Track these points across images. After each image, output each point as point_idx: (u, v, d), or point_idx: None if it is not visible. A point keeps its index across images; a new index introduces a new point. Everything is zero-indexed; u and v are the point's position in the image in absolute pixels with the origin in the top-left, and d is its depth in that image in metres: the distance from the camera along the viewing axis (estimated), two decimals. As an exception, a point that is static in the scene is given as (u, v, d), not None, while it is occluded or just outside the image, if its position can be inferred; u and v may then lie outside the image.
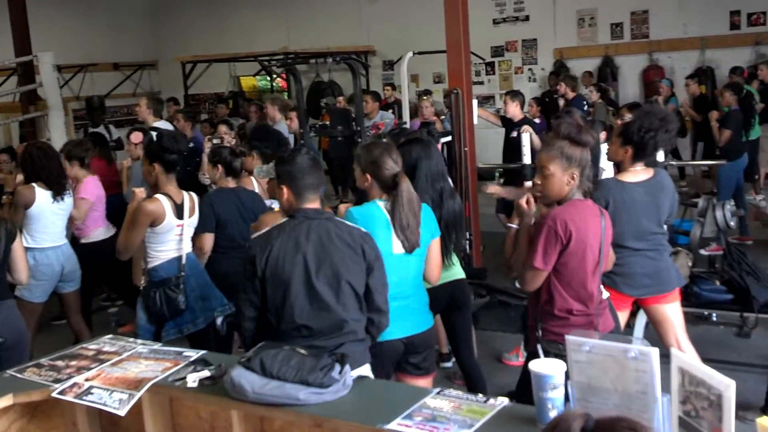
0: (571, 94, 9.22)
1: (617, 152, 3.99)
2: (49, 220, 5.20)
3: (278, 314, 2.97)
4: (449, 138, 6.96)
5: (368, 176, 3.37)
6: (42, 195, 5.15)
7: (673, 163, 8.65)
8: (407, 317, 3.37)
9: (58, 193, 5.24)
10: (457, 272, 4.19)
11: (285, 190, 3.04)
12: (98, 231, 5.92)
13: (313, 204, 3.03)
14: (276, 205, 4.64)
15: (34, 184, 5.16)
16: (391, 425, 2.40)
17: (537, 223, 3.14)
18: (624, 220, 3.83)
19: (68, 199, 5.37)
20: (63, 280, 5.32)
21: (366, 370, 3.06)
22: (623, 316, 3.93)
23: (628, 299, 4.02)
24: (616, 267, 3.74)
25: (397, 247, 3.33)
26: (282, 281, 2.93)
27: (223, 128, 7.67)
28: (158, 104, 7.61)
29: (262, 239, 2.99)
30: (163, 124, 7.12)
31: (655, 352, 2.16)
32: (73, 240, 5.91)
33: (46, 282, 5.20)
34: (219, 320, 4.40)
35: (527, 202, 3.17)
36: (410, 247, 3.34)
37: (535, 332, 3.16)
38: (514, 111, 7.70)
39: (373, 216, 3.31)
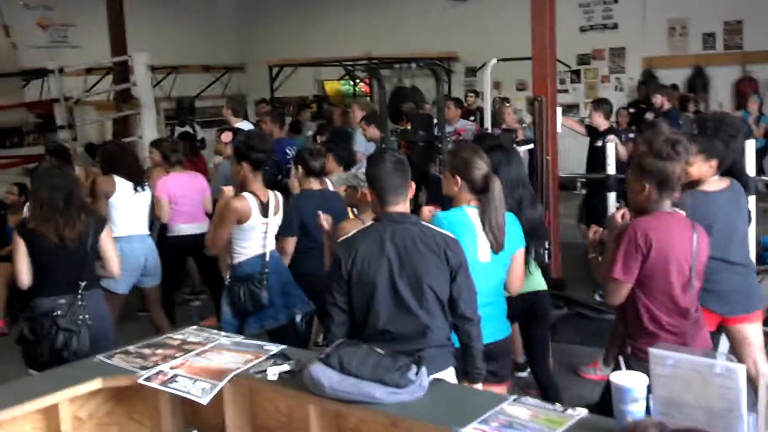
0: (667, 106, 8.98)
1: (700, 168, 3.83)
2: (131, 209, 5.38)
3: (362, 318, 2.98)
4: (531, 146, 6.90)
5: (458, 179, 3.36)
6: (122, 185, 5.34)
7: (764, 178, 8.34)
8: (485, 324, 3.35)
9: (137, 184, 5.41)
10: (538, 283, 4.15)
11: (370, 193, 3.08)
12: (181, 226, 6.05)
13: (398, 207, 3.02)
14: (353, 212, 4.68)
15: (113, 175, 5.34)
16: (467, 429, 2.40)
17: (619, 234, 3.07)
18: (715, 231, 3.71)
19: (148, 192, 5.55)
20: (145, 273, 5.45)
21: (450, 374, 3.04)
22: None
23: (715, 317, 3.89)
24: (705, 283, 3.64)
25: (482, 254, 3.32)
26: (366, 285, 2.94)
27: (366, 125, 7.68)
28: (238, 105, 7.79)
29: (347, 243, 3.01)
30: (245, 125, 7.28)
31: (741, 369, 2.10)
32: (163, 235, 6.11)
33: (130, 273, 5.30)
34: (298, 317, 4.49)
35: (622, 216, 3.12)
36: (497, 247, 3.32)
37: (625, 350, 3.09)
38: (600, 120, 7.57)
39: (461, 222, 3.30)
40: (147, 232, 5.57)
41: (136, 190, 5.40)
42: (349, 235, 3.06)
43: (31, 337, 3.85)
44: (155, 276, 5.59)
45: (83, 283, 3.95)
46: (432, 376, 2.76)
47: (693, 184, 3.85)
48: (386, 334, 2.94)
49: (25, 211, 5.28)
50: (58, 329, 3.81)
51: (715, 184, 3.82)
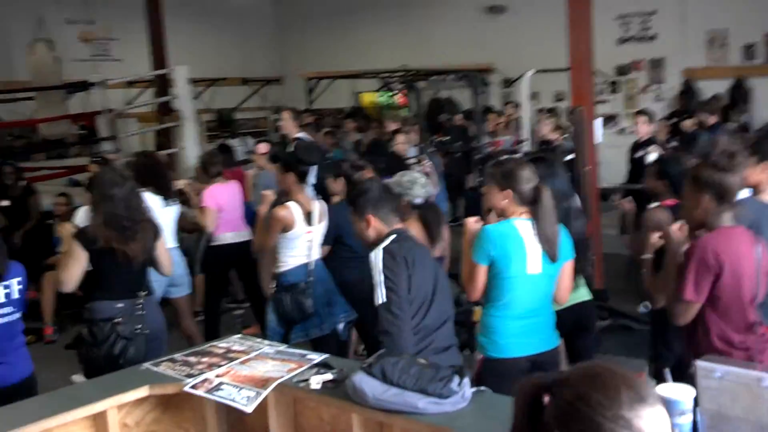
0: (711, 120, 8.88)
1: (754, 172, 3.76)
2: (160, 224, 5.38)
3: (414, 315, 3.21)
4: (571, 156, 6.87)
5: (509, 192, 3.35)
6: (152, 200, 5.26)
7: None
8: (534, 335, 3.36)
9: (166, 198, 5.44)
10: (583, 294, 4.13)
11: (372, 220, 3.31)
12: (226, 235, 6.10)
13: (398, 225, 3.36)
14: None
15: (143, 189, 5.35)
16: (511, 440, 2.40)
17: (686, 252, 3.00)
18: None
19: (176, 205, 5.58)
20: (173, 284, 5.44)
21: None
22: None
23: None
24: None
25: (531, 267, 3.31)
26: (421, 285, 3.21)
27: (401, 138, 7.78)
28: (299, 115, 7.85)
29: (396, 246, 3.23)
30: (304, 135, 7.35)
31: (792, 382, 2.08)
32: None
33: (157, 284, 5.24)
34: (341, 326, 4.53)
35: (680, 228, 3.08)
36: (553, 257, 3.33)
37: (689, 369, 3.03)
38: (645, 130, 7.51)
39: (510, 235, 3.30)
40: (174, 245, 5.57)
41: (166, 203, 5.42)
42: (391, 243, 3.25)
43: (90, 341, 3.88)
44: (184, 285, 5.62)
45: (143, 293, 4.00)
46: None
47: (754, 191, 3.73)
48: (424, 329, 3.21)
49: (77, 219, 5.37)
50: (118, 336, 3.86)
51: None
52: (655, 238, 3.40)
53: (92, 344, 3.86)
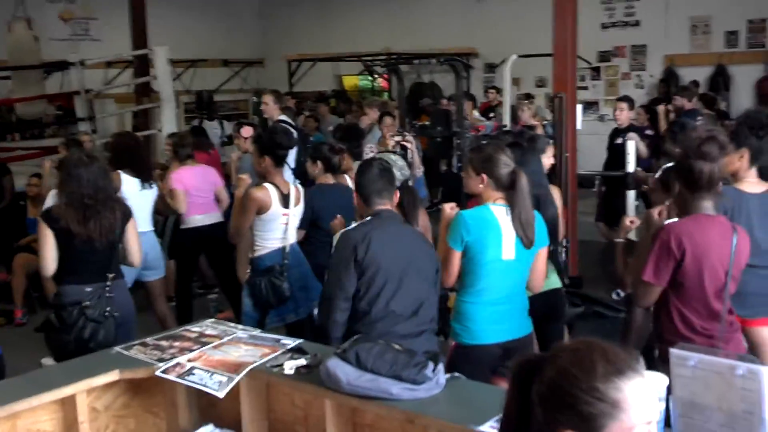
0: (688, 106, 8.89)
1: (731, 161, 3.76)
2: (136, 205, 5.23)
3: (370, 300, 3.20)
4: (551, 142, 6.85)
5: (484, 176, 3.34)
6: (129, 182, 5.25)
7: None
8: (507, 321, 3.35)
9: (145, 180, 5.36)
10: (553, 282, 4.13)
11: (356, 197, 3.40)
12: (196, 218, 6.02)
13: (384, 206, 3.33)
14: None
15: (120, 171, 5.25)
16: (484, 427, 2.39)
17: (653, 235, 3.01)
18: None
19: (154, 188, 5.49)
20: (146, 267, 5.32)
21: None
22: None
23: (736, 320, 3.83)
24: None
25: (506, 252, 3.29)
26: (380, 268, 3.17)
27: (389, 120, 7.71)
28: (281, 97, 7.75)
29: (358, 230, 3.26)
30: (286, 119, 7.26)
31: (765, 371, 2.07)
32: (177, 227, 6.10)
33: (130, 268, 5.25)
34: (316, 311, 4.50)
35: (659, 213, 3.07)
36: (528, 243, 3.32)
37: (651, 352, 3.03)
38: (625, 117, 7.51)
39: (486, 220, 3.28)
40: (149, 228, 5.48)
41: (143, 186, 5.34)
42: (356, 225, 3.32)
43: (58, 325, 3.84)
44: (158, 269, 5.55)
45: (111, 275, 3.96)
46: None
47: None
48: (390, 315, 3.19)
49: (48, 200, 5.29)
50: (87, 320, 3.81)
51: (753, 186, 3.67)
52: (627, 222, 3.39)
53: (61, 329, 3.82)
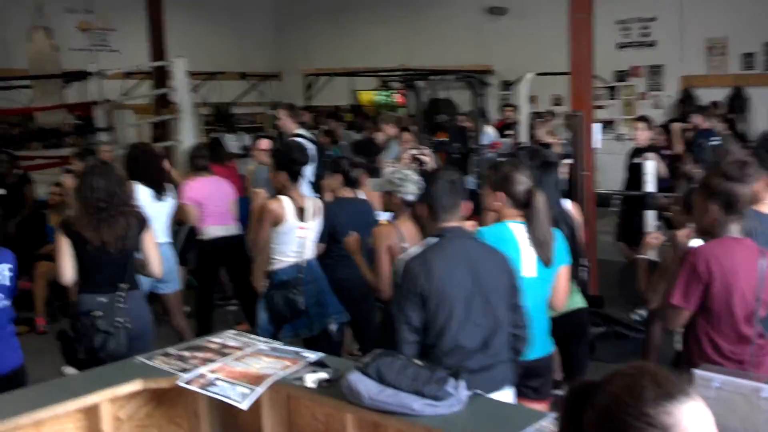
0: (704, 125, 8.90)
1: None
2: (150, 218, 5.24)
3: (438, 334, 2.94)
4: (569, 161, 6.87)
5: (501, 194, 3.35)
6: (143, 193, 5.27)
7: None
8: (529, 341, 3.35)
9: (159, 192, 5.37)
10: (577, 301, 4.13)
11: (425, 208, 3.12)
12: (212, 229, 6.05)
13: (451, 223, 3.06)
14: (383, 218, 4.72)
15: (135, 182, 5.24)
16: (505, 445, 2.40)
17: (682, 257, 3.00)
18: None
19: (170, 200, 5.50)
20: (161, 280, 5.28)
21: (510, 392, 3.07)
22: None
23: None
24: None
25: (526, 270, 3.30)
26: (445, 300, 2.92)
27: (407, 135, 7.73)
28: (296, 111, 7.79)
29: (421, 259, 2.98)
30: (304, 132, 7.31)
31: (791, 394, 2.07)
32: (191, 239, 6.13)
33: (144, 279, 5.24)
34: (334, 326, 4.52)
35: (687, 235, 3.08)
36: (546, 261, 3.31)
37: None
38: (644, 137, 7.51)
39: (503, 238, 3.29)
40: (166, 240, 5.49)
41: (157, 198, 5.34)
42: (421, 251, 3.04)
43: (71, 334, 3.88)
44: (173, 282, 5.54)
45: (125, 285, 3.97)
46: (495, 394, 2.82)
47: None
48: (459, 349, 2.93)
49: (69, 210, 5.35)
50: (97, 330, 3.84)
51: None
52: (650, 239, 3.40)
53: (74, 338, 3.86)
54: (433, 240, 3.05)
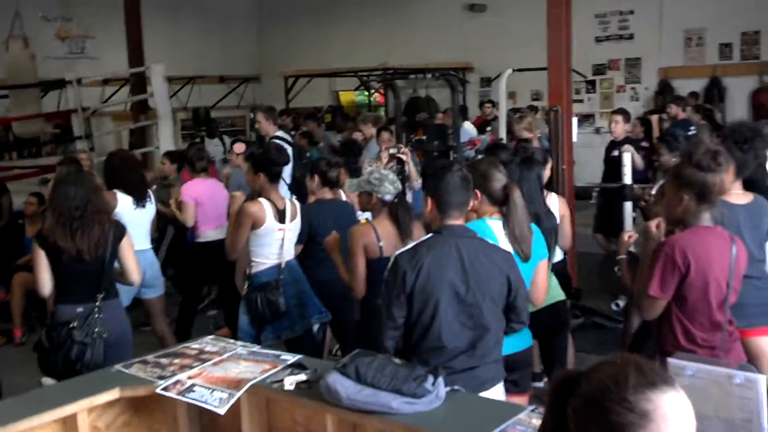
0: (681, 116, 8.95)
1: None
2: (131, 225, 5.15)
3: (422, 332, 2.91)
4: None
5: (478, 192, 3.35)
6: (124, 201, 5.24)
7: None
8: (508, 335, 3.35)
9: (139, 199, 5.33)
10: (558, 294, 4.14)
11: (430, 203, 3.03)
12: (208, 232, 6.03)
13: (457, 221, 3.01)
14: (363, 217, 4.71)
15: (115, 190, 5.23)
16: (484, 439, 2.40)
17: (656, 249, 3.02)
18: None
19: (150, 206, 5.47)
20: (145, 285, 5.29)
21: (498, 390, 3.04)
22: None
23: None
24: None
25: None
26: (431, 299, 2.88)
27: (386, 135, 7.74)
28: (274, 113, 7.76)
29: (410, 255, 2.93)
30: (282, 134, 7.30)
31: (762, 379, 2.09)
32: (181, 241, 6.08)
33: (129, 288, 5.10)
34: (315, 327, 4.51)
35: (657, 225, 3.10)
36: (524, 257, 3.30)
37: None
38: (621, 130, 7.55)
39: (482, 234, 3.26)
40: (148, 246, 5.48)
41: (137, 204, 5.31)
42: (410, 247, 3.01)
43: (47, 345, 3.85)
44: (157, 287, 5.51)
45: (101, 295, 3.93)
46: (482, 393, 2.81)
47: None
48: (443, 349, 2.90)
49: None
50: (73, 342, 3.80)
51: (739, 197, 3.73)
52: (625, 237, 3.42)
53: (49, 349, 3.82)
54: (428, 236, 3.01)
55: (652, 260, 2.99)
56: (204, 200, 5.98)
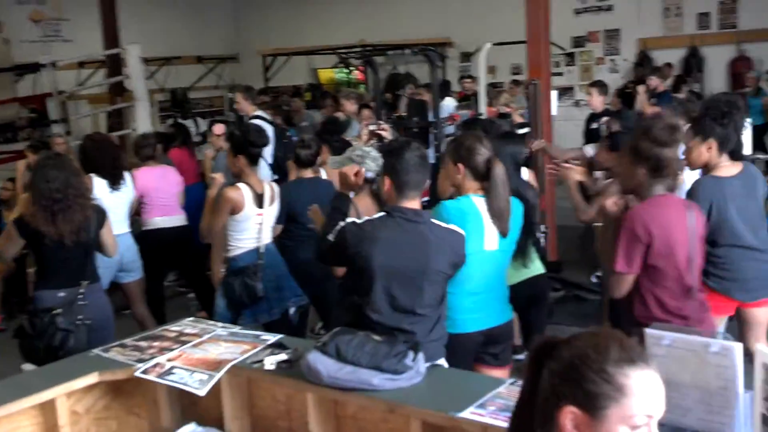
0: (661, 88, 8.94)
1: (700, 153, 3.76)
2: (108, 208, 4.81)
3: (363, 304, 2.92)
4: (527, 129, 6.88)
5: (461, 167, 3.33)
6: (99, 184, 5.19)
7: (761, 156, 8.31)
8: (488, 309, 3.35)
9: (114, 182, 5.29)
10: (538, 267, 4.15)
11: (387, 182, 3.00)
12: (156, 219, 5.96)
13: (412, 202, 2.98)
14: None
15: (91, 174, 5.18)
16: (464, 413, 2.41)
17: (617, 225, 3.02)
18: (733, 218, 3.62)
19: (126, 189, 5.42)
20: (123, 269, 5.31)
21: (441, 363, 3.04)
22: (722, 321, 3.76)
23: (735, 304, 3.76)
24: (726, 272, 3.60)
25: (489, 243, 3.28)
26: (373, 275, 2.87)
27: (367, 112, 7.67)
28: (253, 93, 7.67)
29: (362, 228, 2.91)
30: (262, 114, 7.22)
31: (738, 347, 2.10)
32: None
33: (107, 270, 5.05)
34: (292, 310, 4.49)
35: (615, 202, 3.10)
36: (503, 231, 3.29)
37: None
38: (597, 102, 7.55)
39: (467, 211, 3.25)
40: (125, 230, 5.41)
41: (112, 188, 5.26)
42: (364, 221, 2.97)
43: (30, 332, 3.81)
44: (135, 271, 5.47)
45: (84, 282, 3.91)
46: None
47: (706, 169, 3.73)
48: (379, 326, 2.88)
49: (21, 204, 5.24)
50: (57, 328, 3.77)
51: (728, 169, 3.69)
52: (609, 203, 3.40)
53: (32, 335, 3.79)
54: (380, 215, 2.99)
55: (616, 236, 3.00)
56: (149, 190, 5.88)
